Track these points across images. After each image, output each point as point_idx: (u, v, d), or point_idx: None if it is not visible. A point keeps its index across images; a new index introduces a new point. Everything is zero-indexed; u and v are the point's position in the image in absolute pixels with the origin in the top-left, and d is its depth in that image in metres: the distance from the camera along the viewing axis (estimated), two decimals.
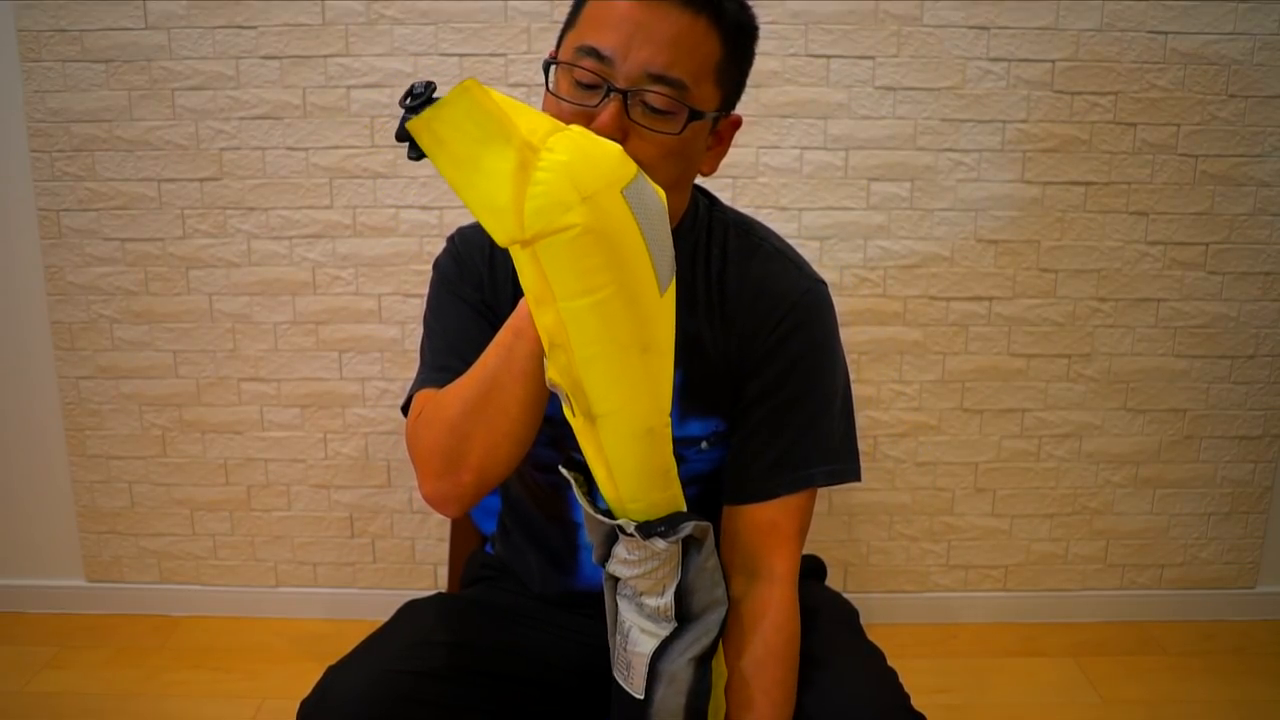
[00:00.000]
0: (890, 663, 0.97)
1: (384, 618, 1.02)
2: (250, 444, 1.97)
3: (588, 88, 0.86)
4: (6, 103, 1.83)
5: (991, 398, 1.94)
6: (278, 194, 1.86)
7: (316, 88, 1.81)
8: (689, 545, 0.86)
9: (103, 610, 2.03)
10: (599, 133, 0.82)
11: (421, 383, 0.98)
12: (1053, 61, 1.79)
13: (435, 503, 0.91)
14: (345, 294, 1.89)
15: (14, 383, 1.97)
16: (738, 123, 0.96)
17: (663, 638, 0.87)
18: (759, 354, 0.96)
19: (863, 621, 1.07)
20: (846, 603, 1.11)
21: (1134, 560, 2.03)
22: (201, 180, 1.85)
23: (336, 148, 1.83)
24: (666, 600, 0.86)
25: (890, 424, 1.95)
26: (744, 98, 0.96)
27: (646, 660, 0.86)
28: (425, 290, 1.06)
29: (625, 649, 0.89)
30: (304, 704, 0.89)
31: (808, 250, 1.80)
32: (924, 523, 2.00)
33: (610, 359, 0.77)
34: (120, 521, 2.01)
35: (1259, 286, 1.90)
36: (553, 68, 0.89)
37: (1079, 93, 1.81)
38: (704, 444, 0.99)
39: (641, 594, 0.87)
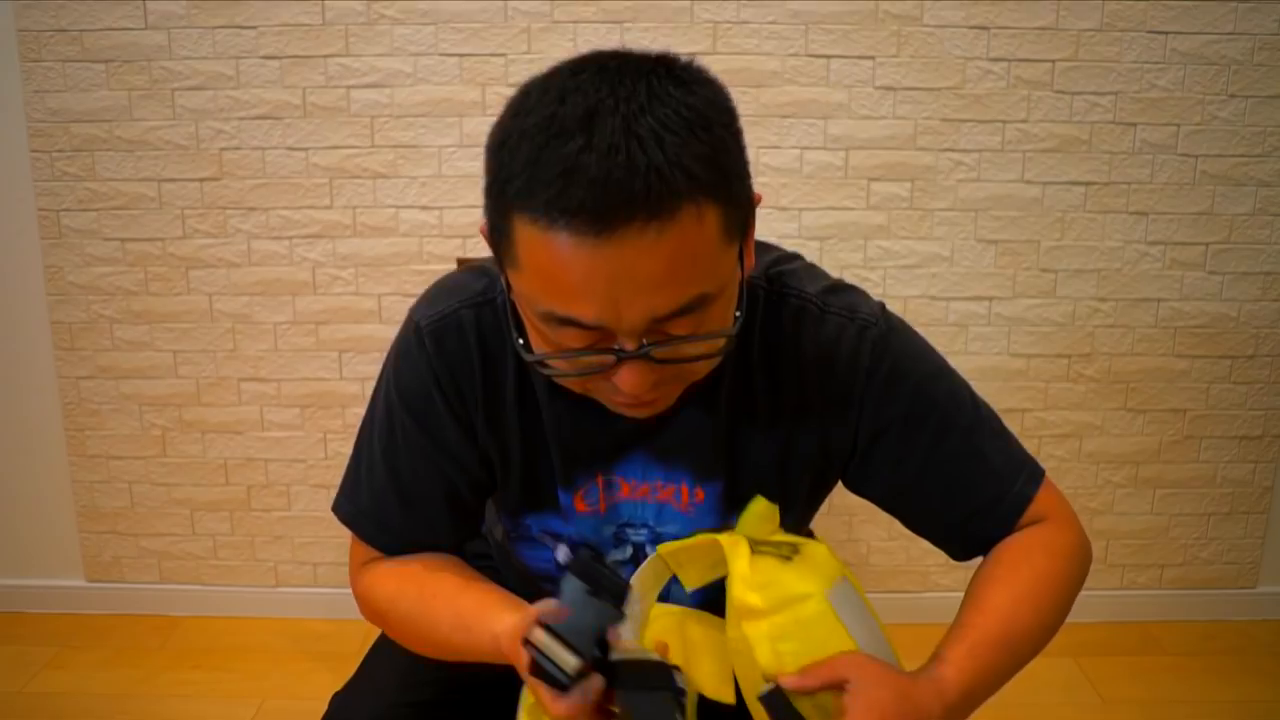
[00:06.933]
0: None
1: None
2: (250, 444, 1.97)
3: (581, 350, 0.69)
4: (6, 103, 1.83)
5: (992, 398, 1.91)
6: (278, 194, 1.86)
7: (316, 88, 1.81)
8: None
9: (103, 610, 2.03)
10: (633, 406, 0.72)
11: (362, 534, 0.89)
12: (1053, 61, 1.79)
13: None
14: (345, 294, 1.89)
15: (14, 383, 1.97)
16: (758, 200, 0.74)
17: None
18: (867, 434, 0.84)
19: None
20: None
21: (1134, 560, 2.02)
22: (201, 180, 1.85)
23: (336, 148, 1.83)
24: None
25: None
26: (743, 97, 0.94)
27: None
28: (423, 291, 0.99)
29: None
30: None
31: (808, 250, 1.79)
32: None
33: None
34: (120, 521, 2.01)
35: (1259, 286, 1.89)
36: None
37: (1079, 93, 1.81)
38: None
39: None
